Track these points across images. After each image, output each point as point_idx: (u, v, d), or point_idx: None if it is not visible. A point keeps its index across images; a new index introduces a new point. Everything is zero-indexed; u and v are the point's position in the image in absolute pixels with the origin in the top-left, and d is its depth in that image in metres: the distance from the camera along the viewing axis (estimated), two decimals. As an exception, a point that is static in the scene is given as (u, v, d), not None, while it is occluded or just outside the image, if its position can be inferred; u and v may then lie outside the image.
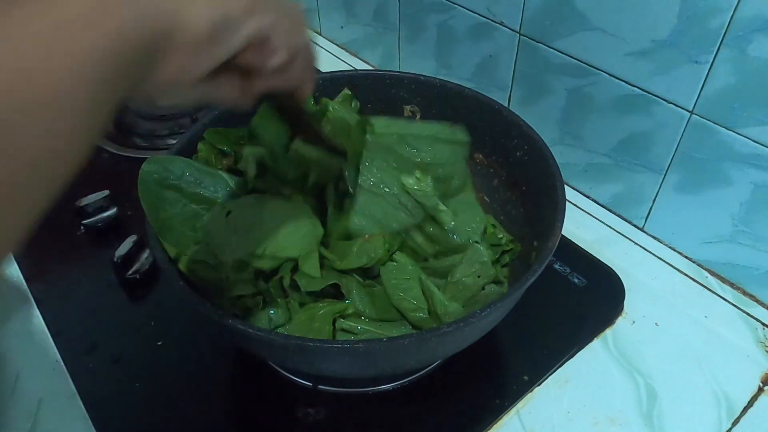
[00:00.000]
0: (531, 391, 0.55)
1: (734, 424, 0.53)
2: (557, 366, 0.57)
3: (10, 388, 0.56)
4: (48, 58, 0.23)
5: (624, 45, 0.62)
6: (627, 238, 0.71)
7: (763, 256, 0.61)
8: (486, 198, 0.64)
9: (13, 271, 0.67)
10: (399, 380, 0.56)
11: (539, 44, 0.71)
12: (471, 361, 0.56)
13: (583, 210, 0.75)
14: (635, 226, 0.72)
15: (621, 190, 0.72)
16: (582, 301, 0.63)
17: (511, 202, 0.62)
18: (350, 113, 0.59)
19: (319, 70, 0.44)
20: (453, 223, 0.56)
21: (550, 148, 0.55)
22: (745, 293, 0.64)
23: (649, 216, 0.70)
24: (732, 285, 0.65)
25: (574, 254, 0.67)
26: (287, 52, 0.34)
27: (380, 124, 0.58)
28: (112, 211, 0.71)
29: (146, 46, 0.27)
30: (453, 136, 0.59)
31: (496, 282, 0.54)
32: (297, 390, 0.55)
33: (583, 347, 0.59)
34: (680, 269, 0.67)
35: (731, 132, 0.58)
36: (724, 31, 0.54)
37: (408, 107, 0.67)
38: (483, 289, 0.52)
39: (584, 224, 0.72)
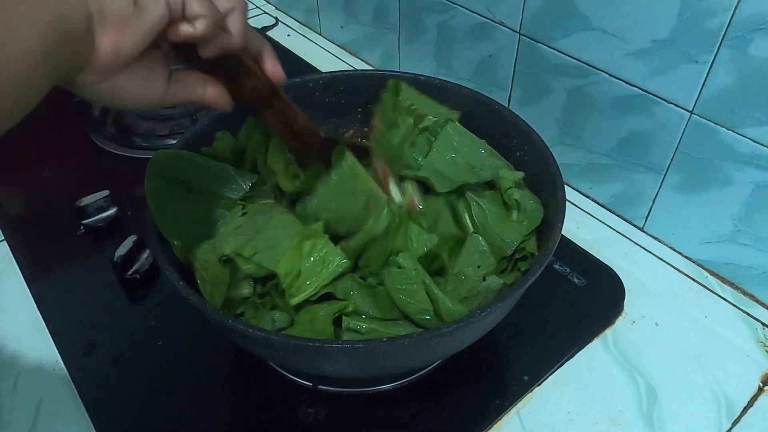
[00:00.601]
0: (531, 391, 0.55)
1: (734, 424, 0.53)
2: (557, 366, 0.57)
3: (10, 388, 0.56)
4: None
5: (624, 45, 0.62)
6: (627, 238, 0.71)
7: (763, 256, 0.61)
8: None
9: (13, 271, 0.67)
10: (399, 380, 0.56)
11: (539, 44, 0.71)
12: (471, 361, 0.56)
13: (583, 210, 0.75)
14: (635, 226, 0.72)
15: (621, 190, 0.72)
16: (582, 301, 0.63)
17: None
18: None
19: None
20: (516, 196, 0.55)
21: (550, 148, 0.55)
22: (745, 293, 0.64)
23: (649, 216, 0.70)
24: (732, 285, 0.65)
25: (574, 254, 0.67)
26: (209, 13, 0.36)
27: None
28: (112, 211, 0.71)
29: (79, 26, 0.31)
30: None
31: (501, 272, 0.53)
32: (297, 390, 0.55)
33: (583, 347, 0.59)
34: (680, 269, 0.67)
35: (731, 132, 0.58)
36: (724, 31, 0.54)
37: None
38: (484, 279, 0.51)
39: (584, 224, 0.73)
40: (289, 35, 1.12)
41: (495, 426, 0.53)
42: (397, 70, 0.94)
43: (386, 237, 0.50)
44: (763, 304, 0.63)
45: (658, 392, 0.55)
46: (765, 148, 0.56)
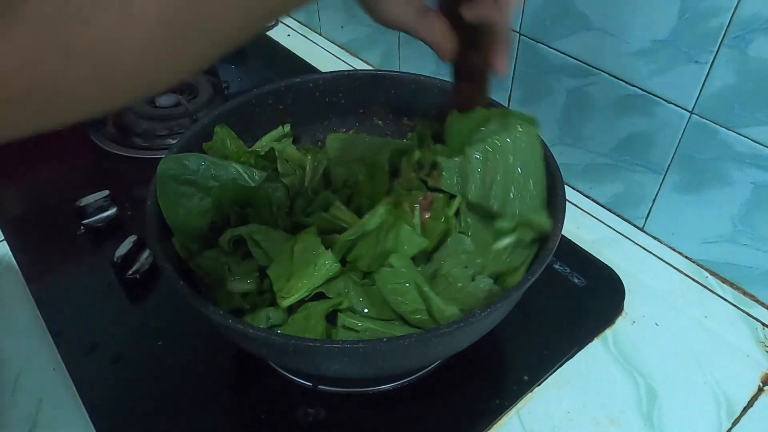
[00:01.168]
0: (531, 391, 0.55)
1: (734, 424, 0.53)
2: (557, 366, 0.57)
3: (10, 388, 0.56)
4: None
5: (624, 45, 0.62)
6: (627, 238, 0.71)
7: (763, 256, 0.61)
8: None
9: (13, 271, 0.67)
10: (399, 380, 0.56)
11: (539, 44, 0.71)
12: (471, 361, 0.56)
13: (583, 210, 0.75)
14: (635, 226, 0.72)
15: (621, 190, 0.72)
16: (582, 301, 0.63)
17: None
18: None
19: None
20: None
21: (550, 148, 0.55)
22: (745, 293, 0.64)
23: (649, 216, 0.70)
24: (732, 285, 0.65)
25: (574, 254, 0.67)
26: None
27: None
28: (112, 211, 0.71)
29: None
30: None
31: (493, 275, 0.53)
32: (297, 390, 0.55)
33: (583, 347, 0.59)
34: (680, 269, 0.67)
35: (731, 132, 0.58)
36: (724, 31, 0.54)
37: (405, 119, 0.67)
38: (473, 280, 0.51)
39: (584, 224, 0.73)
40: (289, 35, 1.12)
41: (495, 426, 0.53)
42: (397, 70, 0.94)
43: (378, 235, 0.50)
44: (763, 304, 0.63)
45: (658, 392, 0.55)
46: (765, 148, 0.56)
